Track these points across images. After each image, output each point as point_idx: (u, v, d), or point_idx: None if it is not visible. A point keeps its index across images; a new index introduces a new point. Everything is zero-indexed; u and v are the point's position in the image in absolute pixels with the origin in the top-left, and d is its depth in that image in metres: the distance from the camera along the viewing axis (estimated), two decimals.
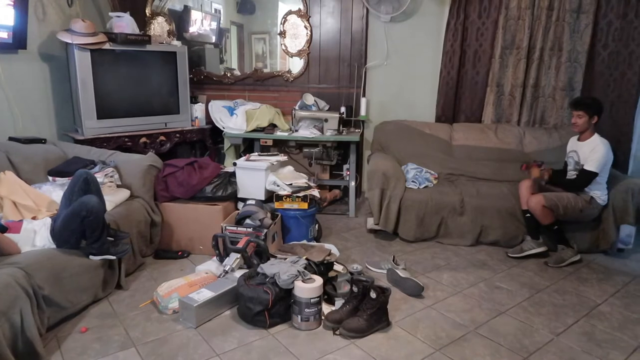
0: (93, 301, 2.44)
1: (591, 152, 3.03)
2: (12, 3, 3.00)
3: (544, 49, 3.87)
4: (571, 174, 3.20)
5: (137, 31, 3.73)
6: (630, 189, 3.09)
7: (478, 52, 4.02)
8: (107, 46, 3.46)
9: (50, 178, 2.81)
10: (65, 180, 2.79)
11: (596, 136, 3.09)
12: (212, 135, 4.24)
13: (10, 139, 3.05)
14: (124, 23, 3.66)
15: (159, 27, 4.36)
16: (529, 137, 3.87)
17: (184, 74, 3.93)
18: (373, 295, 2.24)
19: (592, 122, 3.06)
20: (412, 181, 3.52)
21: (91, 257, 2.40)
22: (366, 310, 2.23)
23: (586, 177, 3.03)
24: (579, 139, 3.19)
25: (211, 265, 2.78)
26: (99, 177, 2.84)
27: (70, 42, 3.31)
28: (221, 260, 2.75)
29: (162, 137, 3.85)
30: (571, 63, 3.85)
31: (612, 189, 3.13)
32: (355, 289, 2.32)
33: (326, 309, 2.38)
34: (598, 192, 3.08)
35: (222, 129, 4.06)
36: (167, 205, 3.13)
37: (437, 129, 4.04)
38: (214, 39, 4.53)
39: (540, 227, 3.13)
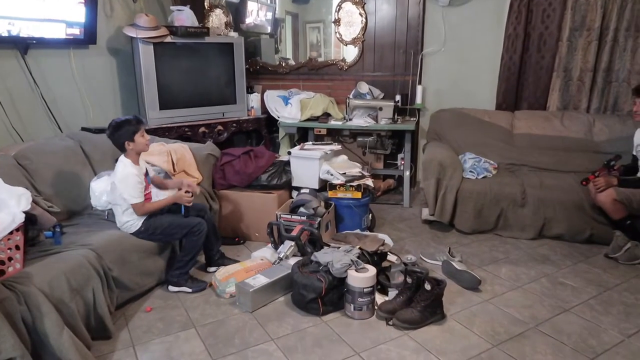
0: (157, 283, 2.58)
1: None
2: (83, 1, 3.18)
3: (618, 29, 3.58)
4: None
5: (196, 24, 3.85)
6: None
7: (544, 35, 3.78)
8: (168, 39, 3.60)
9: None
10: None
11: None
12: (268, 124, 4.31)
13: (83, 129, 3.26)
14: (184, 16, 3.79)
15: (217, 19, 4.47)
16: (599, 125, 3.62)
17: (241, 65, 4.01)
18: (428, 286, 2.20)
19: None
20: (470, 171, 3.40)
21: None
22: (420, 301, 2.20)
23: None
24: None
25: (266, 252, 2.84)
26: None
27: (135, 36, 3.47)
28: (276, 248, 2.81)
29: (219, 127, 3.96)
30: None
31: None
32: (409, 280, 2.29)
33: (379, 299, 2.37)
34: None
35: (277, 118, 4.12)
36: (224, 193, 3.23)
37: (497, 117, 3.87)
38: (269, 29, 4.58)
39: (611, 222, 2.92)
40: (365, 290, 2.23)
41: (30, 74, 3.05)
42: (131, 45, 3.67)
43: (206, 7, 4.44)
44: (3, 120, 2.89)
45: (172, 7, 3.95)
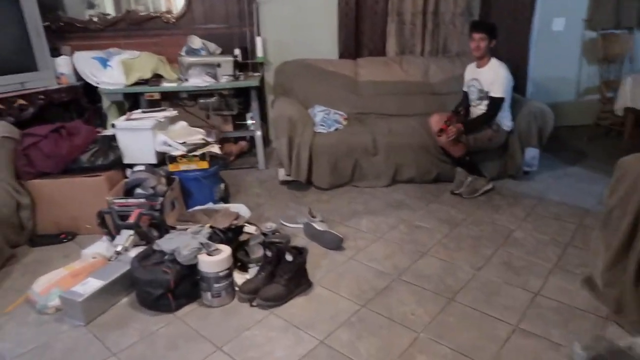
0: None
1: (495, 76, 2.98)
2: None
3: None
4: (477, 104, 3.14)
5: None
6: (532, 112, 3.12)
7: None
8: None
9: None
10: None
11: (494, 60, 3.04)
12: (88, 93, 3.59)
13: None
14: None
15: None
16: (433, 67, 3.77)
17: (35, 21, 3.19)
18: (289, 258, 2.02)
19: (491, 45, 3.00)
20: (321, 124, 3.28)
21: None
22: (283, 275, 2.01)
23: (496, 105, 3.00)
24: (477, 66, 3.12)
25: (101, 247, 2.37)
26: None
27: None
28: (113, 240, 2.35)
29: (20, 101, 3.17)
30: None
31: (517, 114, 3.15)
32: (269, 253, 2.08)
33: (240, 278, 2.13)
34: (504, 119, 3.08)
35: (95, 85, 3.45)
36: (35, 183, 2.61)
37: (341, 65, 3.79)
38: None
39: (452, 160, 3.08)
40: (221, 274, 1.97)
41: None
42: None
43: None
44: None
45: None
